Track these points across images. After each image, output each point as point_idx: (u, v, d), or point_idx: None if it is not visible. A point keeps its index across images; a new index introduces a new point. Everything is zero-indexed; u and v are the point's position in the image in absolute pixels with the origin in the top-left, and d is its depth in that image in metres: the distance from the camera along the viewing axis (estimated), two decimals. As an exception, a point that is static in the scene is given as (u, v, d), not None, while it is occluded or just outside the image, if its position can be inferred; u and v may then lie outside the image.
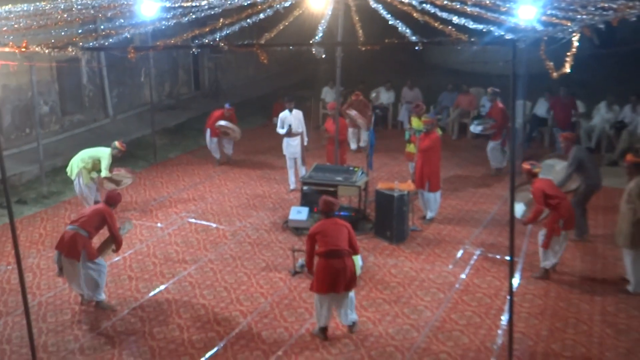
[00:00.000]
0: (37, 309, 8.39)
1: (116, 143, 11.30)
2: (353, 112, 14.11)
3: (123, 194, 12.59)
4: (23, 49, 6.89)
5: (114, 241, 8.45)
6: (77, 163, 11.19)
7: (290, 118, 12.57)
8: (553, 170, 10.37)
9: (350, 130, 14.92)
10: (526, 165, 9.20)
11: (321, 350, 7.40)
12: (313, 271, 7.71)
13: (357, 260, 9.14)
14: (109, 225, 8.32)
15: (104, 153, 11.16)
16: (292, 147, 12.65)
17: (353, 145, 15.58)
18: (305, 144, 12.75)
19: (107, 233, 8.49)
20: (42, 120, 15.41)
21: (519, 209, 9.39)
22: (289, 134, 12.55)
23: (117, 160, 11.63)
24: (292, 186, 12.82)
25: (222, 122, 14.13)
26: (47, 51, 7.13)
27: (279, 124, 12.69)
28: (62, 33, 8.94)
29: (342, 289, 7.43)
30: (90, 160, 11.17)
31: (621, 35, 21.01)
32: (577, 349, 7.35)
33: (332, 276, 7.34)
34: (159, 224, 11.20)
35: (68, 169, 11.40)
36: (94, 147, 11.54)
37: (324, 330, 7.66)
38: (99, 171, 11.18)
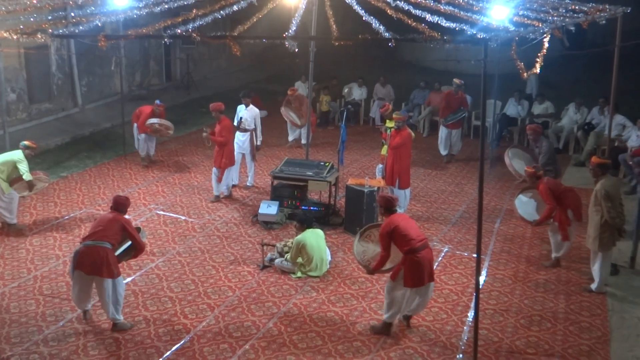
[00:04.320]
0: None
1: (26, 142, 10.36)
2: (291, 114, 14.88)
3: (91, 185, 12.51)
4: (-10, 34, 6.79)
5: (136, 249, 7.81)
6: None
7: (245, 113, 12.42)
8: (521, 155, 11.50)
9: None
10: (530, 169, 9.44)
11: (288, 344, 7.40)
12: (381, 270, 7.75)
13: (326, 255, 9.20)
14: (130, 233, 7.69)
15: (18, 156, 10.17)
16: (240, 142, 12.41)
17: (290, 137, 15.64)
18: (259, 143, 12.60)
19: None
20: (9, 107, 15.16)
21: (525, 201, 9.78)
22: (239, 127, 12.33)
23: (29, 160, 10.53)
24: (234, 181, 12.55)
25: (154, 120, 13.57)
26: (15, 37, 7.01)
27: (236, 117, 12.60)
28: (32, 19, 8.78)
29: (434, 277, 7.66)
30: (5, 168, 10.10)
31: (591, 37, 21.39)
32: (541, 346, 7.45)
33: (428, 267, 7.43)
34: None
35: None
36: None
37: (391, 326, 7.68)
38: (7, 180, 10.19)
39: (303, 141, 15.28)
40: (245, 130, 12.35)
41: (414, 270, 7.34)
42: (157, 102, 13.94)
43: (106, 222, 7.63)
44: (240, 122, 12.31)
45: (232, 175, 12.12)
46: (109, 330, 7.63)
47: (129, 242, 7.77)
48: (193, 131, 16.20)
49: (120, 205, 7.88)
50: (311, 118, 14.23)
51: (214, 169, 11.83)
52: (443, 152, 14.59)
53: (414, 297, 7.54)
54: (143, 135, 13.74)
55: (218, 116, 11.71)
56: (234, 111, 12.82)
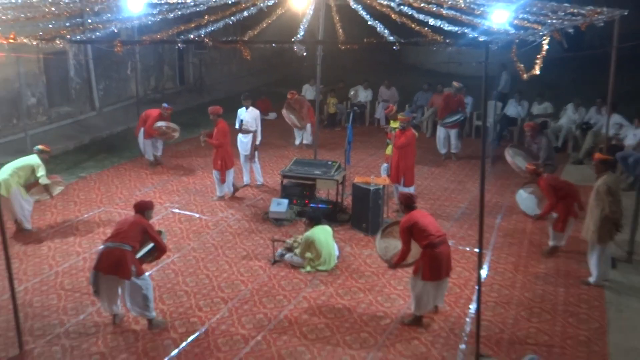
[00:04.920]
0: (23, 294, 8.45)
1: (40, 146, 10.47)
2: (291, 116, 15.15)
3: (109, 185, 12.88)
4: (11, 40, 6.94)
5: (157, 250, 7.90)
6: (10, 179, 10.08)
7: (245, 115, 12.62)
8: (520, 153, 11.83)
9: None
10: (530, 166, 9.74)
11: (298, 335, 7.59)
12: (402, 264, 8.00)
13: (334, 250, 9.49)
14: (152, 236, 7.75)
15: (35, 161, 10.27)
16: (243, 144, 12.67)
17: (297, 141, 16.04)
18: (257, 143, 12.84)
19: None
20: (29, 111, 15.51)
21: (526, 197, 10.07)
22: (241, 129, 12.57)
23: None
24: (245, 182, 12.87)
25: (161, 123, 13.76)
26: (34, 43, 7.22)
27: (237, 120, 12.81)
28: (50, 26, 9.05)
29: (450, 271, 7.92)
30: (23, 174, 10.20)
31: (589, 40, 21.53)
32: (541, 337, 7.61)
33: (446, 261, 7.67)
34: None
35: None
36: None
37: (421, 318, 7.92)
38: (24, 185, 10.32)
39: (305, 141, 15.69)
40: (247, 132, 12.56)
41: (433, 264, 7.55)
42: (165, 105, 14.12)
43: (128, 225, 7.68)
44: (241, 124, 12.51)
45: (232, 177, 12.29)
46: (127, 322, 7.84)
47: (151, 244, 7.92)
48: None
49: (141, 207, 7.93)
50: (311, 119, 14.58)
51: (214, 172, 12.11)
52: (442, 150, 15.03)
53: (433, 290, 7.77)
54: (149, 140, 13.90)
55: (215, 119, 11.90)
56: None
